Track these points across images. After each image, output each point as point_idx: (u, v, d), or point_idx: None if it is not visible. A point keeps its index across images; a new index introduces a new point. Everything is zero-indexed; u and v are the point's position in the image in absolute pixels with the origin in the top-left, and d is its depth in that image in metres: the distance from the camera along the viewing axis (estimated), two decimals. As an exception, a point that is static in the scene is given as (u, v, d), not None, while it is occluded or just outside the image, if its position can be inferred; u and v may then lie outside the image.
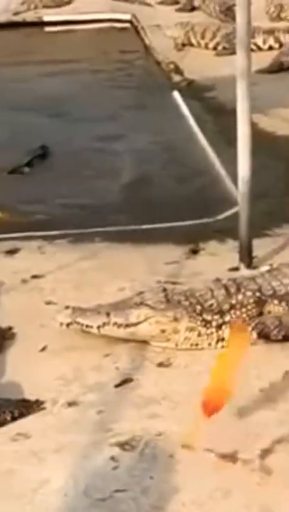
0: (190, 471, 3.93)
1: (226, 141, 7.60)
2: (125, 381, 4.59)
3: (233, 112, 5.76)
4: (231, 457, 4.00)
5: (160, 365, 4.74)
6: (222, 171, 7.61)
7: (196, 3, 14.17)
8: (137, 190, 7.69)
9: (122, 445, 4.10)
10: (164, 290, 4.98)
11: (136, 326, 4.83)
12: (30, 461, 4.03)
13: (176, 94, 10.09)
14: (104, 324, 4.85)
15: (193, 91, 10.29)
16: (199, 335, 4.83)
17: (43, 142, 8.64)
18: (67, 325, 4.92)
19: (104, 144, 8.86)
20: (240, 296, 4.93)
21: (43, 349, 4.92)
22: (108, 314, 4.86)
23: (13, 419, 4.29)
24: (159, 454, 4.03)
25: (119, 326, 4.83)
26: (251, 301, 4.93)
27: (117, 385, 4.57)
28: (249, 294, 4.95)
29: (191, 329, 4.82)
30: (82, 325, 4.88)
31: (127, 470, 3.94)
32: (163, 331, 4.82)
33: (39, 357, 4.86)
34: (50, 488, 3.85)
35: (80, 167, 8.18)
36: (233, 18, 5.68)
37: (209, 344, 4.86)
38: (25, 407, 4.36)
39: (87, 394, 4.50)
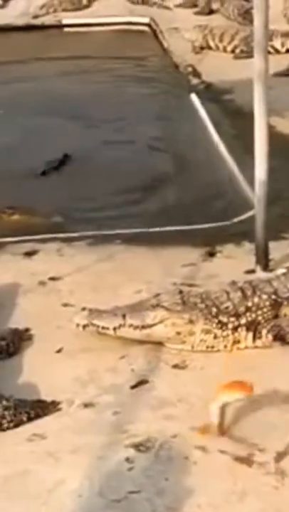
0: (205, 473, 3.93)
1: (242, 144, 7.61)
2: (141, 383, 4.61)
3: (251, 115, 5.76)
4: (247, 460, 4.01)
5: (175, 367, 4.75)
6: (238, 174, 7.62)
7: (215, 6, 14.16)
8: (154, 192, 7.71)
9: (138, 446, 4.11)
10: (180, 292, 4.99)
11: (152, 328, 4.84)
12: (46, 461, 4.06)
13: (193, 97, 10.11)
14: (120, 326, 4.87)
15: (210, 94, 10.30)
16: (215, 337, 4.84)
17: (60, 145, 8.68)
18: (84, 326, 4.94)
19: (121, 146, 8.89)
20: (256, 299, 4.93)
21: (60, 350, 4.94)
22: (124, 316, 4.88)
23: (29, 419, 4.32)
24: (174, 456, 4.05)
25: (135, 327, 4.85)
26: (267, 303, 4.93)
27: (133, 387, 4.58)
28: (265, 296, 4.94)
29: (207, 331, 4.83)
30: (99, 326, 4.91)
31: (142, 471, 3.95)
32: (178, 333, 4.83)
33: (55, 358, 4.89)
34: (66, 488, 3.87)
35: (96, 169, 8.20)
36: (251, 21, 5.66)
37: (225, 346, 4.86)
38: (42, 408, 4.39)
39: (102, 395, 4.52)
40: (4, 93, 10.70)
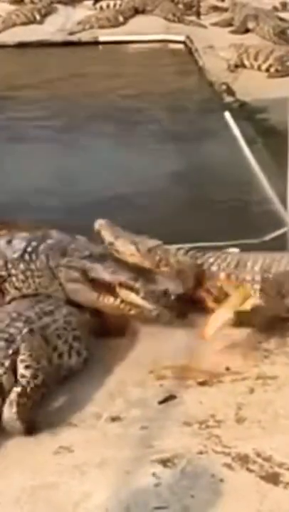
0: (232, 491, 3.91)
1: (275, 162, 7.60)
2: (169, 398, 4.61)
3: (284, 134, 5.78)
4: (274, 479, 3.98)
5: (204, 383, 4.74)
6: (271, 192, 7.62)
7: (250, 26, 14.22)
8: (185, 209, 7.72)
9: (164, 462, 4.10)
10: None
11: None
12: (72, 474, 4.06)
13: (227, 115, 10.13)
14: None
15: (244, 112, 10.32)
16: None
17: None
18: None
19: (156, 163, 8.93)
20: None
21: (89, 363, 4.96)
22: None
23: None
24: (201, 473, 4.03)
25: None
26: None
27: (161, 402, 4.58)
28: None
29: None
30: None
31: (168, 487, 3.94)
32: None
33: (84, 371, 4.89)
34: (92, 502, 3.86)
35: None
36: (287, 41, 5.72)
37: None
38: None
39: (130, 409, 4.52)
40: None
